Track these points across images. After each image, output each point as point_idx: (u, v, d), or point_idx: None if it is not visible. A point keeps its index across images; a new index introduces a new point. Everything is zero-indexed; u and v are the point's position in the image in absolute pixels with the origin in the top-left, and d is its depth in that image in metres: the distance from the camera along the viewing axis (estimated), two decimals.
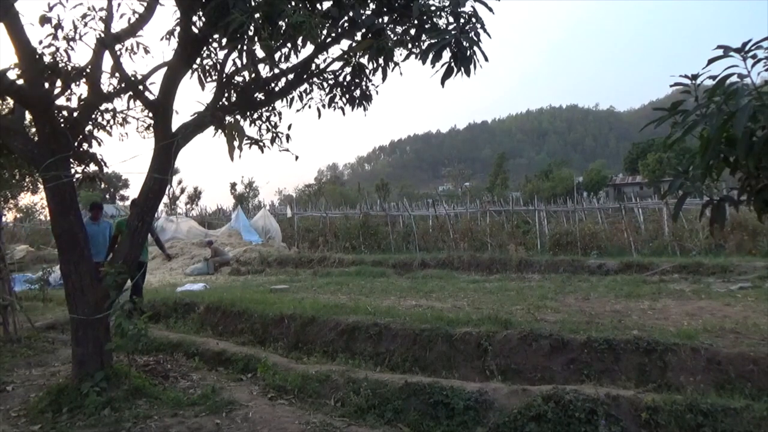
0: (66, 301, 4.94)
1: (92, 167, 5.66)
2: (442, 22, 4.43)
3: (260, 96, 5.36)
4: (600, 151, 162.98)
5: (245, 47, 3.97)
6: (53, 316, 8.67)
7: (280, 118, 5.93)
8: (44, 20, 4.82)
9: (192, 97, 5.50)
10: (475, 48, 4.14)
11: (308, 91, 5.70)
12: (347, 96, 5.56)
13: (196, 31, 4.63)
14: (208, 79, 5.23)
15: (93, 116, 5.51)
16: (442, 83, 4.21)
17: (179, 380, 5.26)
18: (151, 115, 5.55)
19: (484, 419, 4.30)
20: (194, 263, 16.25)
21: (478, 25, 4.26)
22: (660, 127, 2.80)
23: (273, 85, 5.33)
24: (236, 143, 4.87)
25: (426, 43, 4.37)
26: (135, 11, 5.04)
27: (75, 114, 5.17)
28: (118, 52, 5.12)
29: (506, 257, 13.61)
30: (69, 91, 5.23)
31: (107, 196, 60.57)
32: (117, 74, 5.26)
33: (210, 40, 4.88)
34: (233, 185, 61.92)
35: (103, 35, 4.91)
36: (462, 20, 4.28)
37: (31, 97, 4.69)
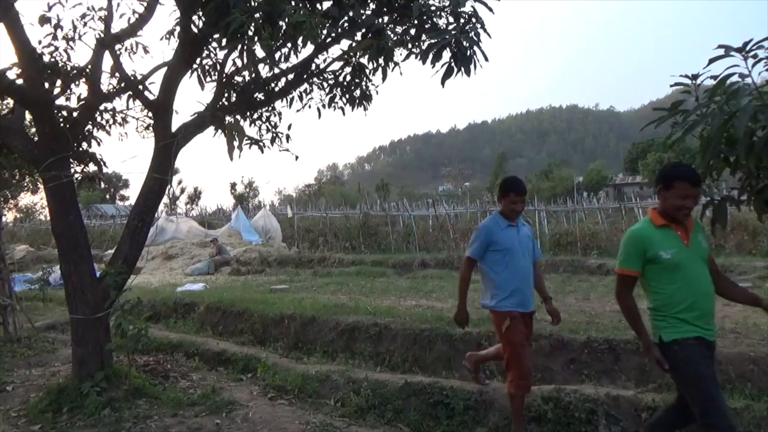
0: (66, 301, 4.92)
1: (92, 167, 5.66)
2: (442, 22, 4.43)
3: (260, 96, 5.35)
4: (600, 151, 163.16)
5: (245, 47, 3.97)
6: (53, 316, 8.67)
7: (280, 118, 5.93)
8: (44, 20, 4.81)
9: (192, 97, 5.50)
10: (475, 48, 4.14)
11: (308, 91, 5.69)
12: (347, 96, 5.56)
13: (196, 31, 4.63)
14: (208, 79, 5.22)
15: (93, 116, 5.50)
16: (442, 83, 4.21)
17: (179, 380, 5.25)
18: (150, 114, 5.54)
19: (484, 419, 4.30)
20: (194, 263, 16.25)
21: (478, 25, 4.27)
22: (660, 127, 2.80)
23: (273, 85, 5.32)
24: (236, 143, 4.87)
25: (426, 43, 4.37)
26: (135, 11, 5.03)
27: (75, 114, 5.17)
28: (118, 52, 5.11)
29: None
30: (69, 91, 5.22)
31: (107, 196, 60.62)
32: (117, 74, 5.25)
33: (210, 40, 4.87)
34: (233, 185, 62.13)
35: (102, 35, 4.90)
36: (462, 20, 4.28)
37: (31, 97, 4.68)
